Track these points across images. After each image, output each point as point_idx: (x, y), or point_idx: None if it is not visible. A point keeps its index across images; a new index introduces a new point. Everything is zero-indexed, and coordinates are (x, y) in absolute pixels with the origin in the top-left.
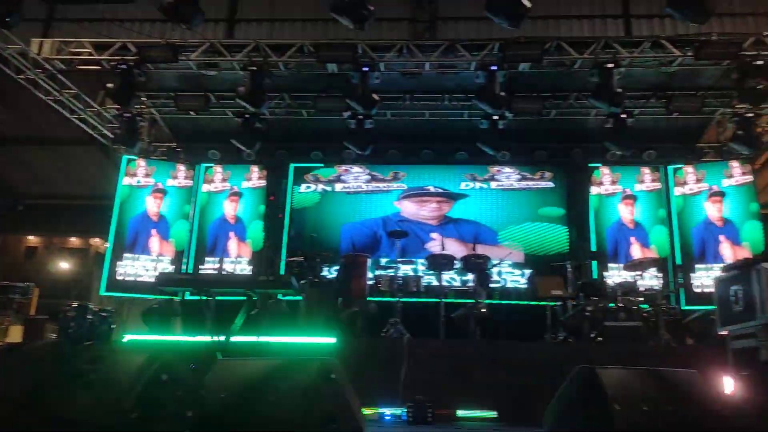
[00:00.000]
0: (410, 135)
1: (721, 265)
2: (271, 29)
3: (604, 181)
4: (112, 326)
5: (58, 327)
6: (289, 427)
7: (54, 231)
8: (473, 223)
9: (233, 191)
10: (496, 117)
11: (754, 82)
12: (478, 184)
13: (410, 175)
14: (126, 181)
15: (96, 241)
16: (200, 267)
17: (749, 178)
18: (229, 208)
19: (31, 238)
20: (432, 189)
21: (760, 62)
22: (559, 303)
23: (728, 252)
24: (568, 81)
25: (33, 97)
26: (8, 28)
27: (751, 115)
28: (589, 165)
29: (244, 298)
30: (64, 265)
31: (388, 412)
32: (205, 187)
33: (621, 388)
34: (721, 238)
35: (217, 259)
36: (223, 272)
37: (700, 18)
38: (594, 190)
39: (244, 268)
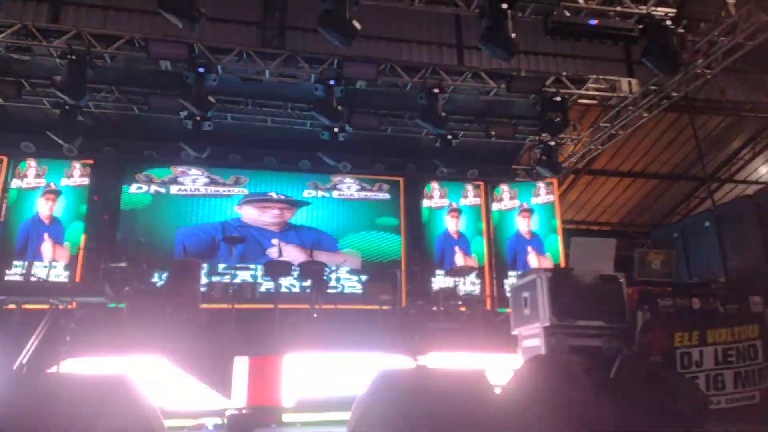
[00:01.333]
0: (253, 140)
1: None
2: (103, 17)
3: (434, 195)
4: None
5: None
6: None
7: None
8: (314, 230)
9: (50, 188)
10: (336, 129)
11: (553, 114)
12: (320, 193)
13: (252, 181)
14: None
15: None
16: (6, 272)
17: (551, 197)
18: (44, 207)
19: None
20: (274, 195)
21: (558, 98)
22: (388, 307)
23: (534, 261)
24: (402, 100)
25: None
26: None
27: (552, 143)
28: (422, 180)
29: (55, 305)
30: None
31: (209, 422)
32: (15, 183)
33: (414, 391)
34: (529, 248)
35: (26, 263)
36: (33, 278)
37: (504, 55)
38: (425, 202)
39: (59, 273)
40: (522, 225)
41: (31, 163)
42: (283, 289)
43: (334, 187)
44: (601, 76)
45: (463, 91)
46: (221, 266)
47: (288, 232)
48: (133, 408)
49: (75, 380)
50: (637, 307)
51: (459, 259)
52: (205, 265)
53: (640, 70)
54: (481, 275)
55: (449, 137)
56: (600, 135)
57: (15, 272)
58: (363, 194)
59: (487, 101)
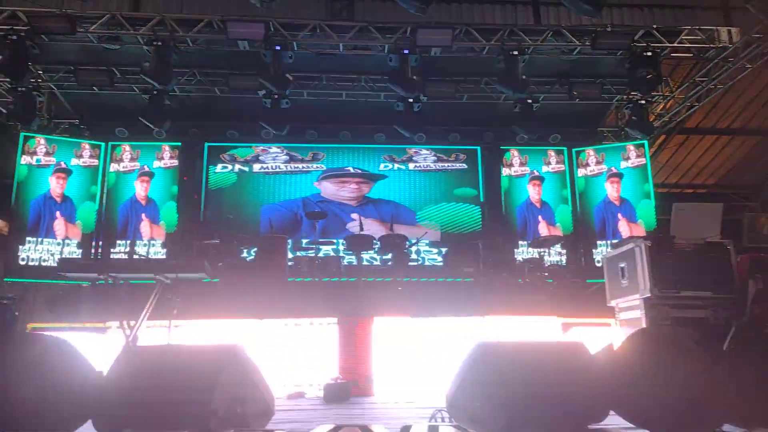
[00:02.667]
0: (329, 115)
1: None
2: (180, 3)
3: (514, 163)
4: (16, 314)
5: None
6: (192, 412)
7: None
8: (392, 203)
9: (144, 171)
10: (410, 100)
11: (644, 71)
12: (396, 165)
13: (329, 156)
14: (24, 160)
15: None
16: (111, 251)
17: (643, 160)
18: (140, 189)
19: None
20: (351, 170)
21: (649, 53)
22: (471, 279)
23: (625, 229)
24: (478, 66)
25: None
26: None
27: (643, 102)
28: (501, 147)
29: (156, 282)
30: None
31: (308, 390)
32: (113, 167)
33: (514, 362)
34: (619, 216)
35: (128, 242)
36: (135, 256)
37: (593, 11)
38: (505, 171)
39: (158, 251)
40: (611, 190)
41: (126, 147)
42: (365, 263)
43: (410, 159)
44: (696, 27)
45: (544, 52)
46: (304, 241)
47: (366, 206)
48: (246, 377)
49: (190, 351)
50: (749, 275)
51: (543, 229)
52: (289, 241)
53: (740, 17)
54: (567, 245)
55: (530, 101)
56: (696, 91)
57: (119, 251)
58: (440, 165)
59: (569, 60)
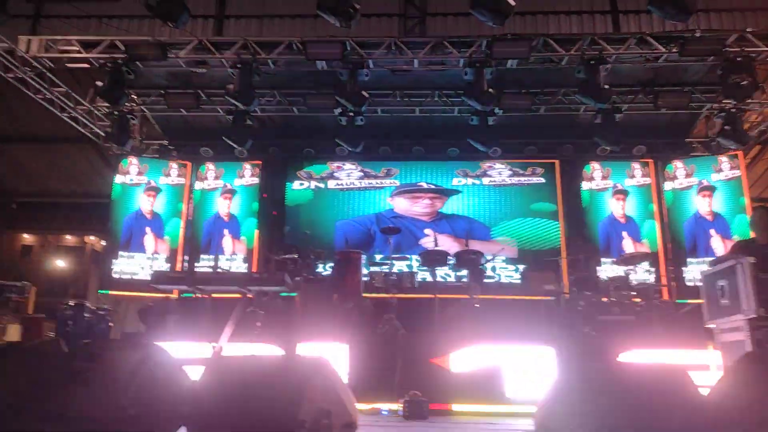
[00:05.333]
0: (402, 131)
1: (713, 259)
2: (260, 26)
3: (595, 177)
4: (110, 324)
5: (56, 325)
6: (279, 421)
7: (48, 229)
8: (466, 218)
9: (226, 188)
10: (485, 113)
11: (737, 78)
12: (470, 180)
13: (403, 172)
14: (119, 179)
15: (91, 239)
16: (195, 264)
17: (737, 172)
18: (223, 206)
19: (25, 236)
20: (425, 185)
21: (743, 59)
22: (552, 297)
23: (719, 246)
24: (556, 77)
25: (23, 96)
26: None
27: (737, 110)
28: (581, 161)
29: (240, 295)
30: (59, 263)
31: (384, 407)
32: (198, 185)
33: (611, 383)
34: (712, 232)
35: (212, 256)
36: (219, 270)
37: (681, 16)
38: (585, 185)
39: (239, 266)
40: (702, 205)
41: (210, 166)
42: (438, 279)
43: (485, 174)
44: None
45: (627, 60)
46: (378, 256)
47: (440, 221)
48: (331, 389)
49: (277, 362)
50: None
51: (628, 246)
52: (363, 256)
53: None
54: (655, 263)
55: (612, 112)
56: None
57: (203, 265)
58: (515, 179)
59: (654, 68)
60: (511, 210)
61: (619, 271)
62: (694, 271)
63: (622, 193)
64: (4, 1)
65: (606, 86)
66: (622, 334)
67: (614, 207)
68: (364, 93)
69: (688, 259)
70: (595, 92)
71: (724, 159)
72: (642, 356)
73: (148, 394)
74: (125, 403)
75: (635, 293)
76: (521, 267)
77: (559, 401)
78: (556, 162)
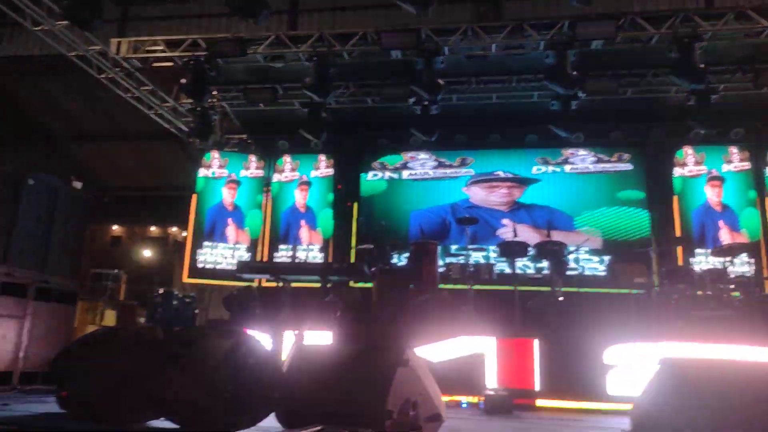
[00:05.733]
0: (477, 119)
1: None
2: (332, 18)
3: (688, 162)
4: (195, 311)
5: (147, 311)
6: (367, 410)
7: (135, 221)
8: (546, 208)
9: (302, 180)
10: (568, 97)
11: None
12: (550, 168)
13: (478, 161)
14: (202, 172)
15: (174, 230)
16: (274, 255)
17: None
18: (300, 197)
19: (115, 227)
20: (501, 174)
21: None
22: (642, 291)
23: None
24: (644, 57)
25: (113, 95)
26: (90, 30)
27: None
28: (672, 146)
29: (318, 284)
30: (145, 253)
31: (465, 399)
32: (275, 177)
33: (708, 381)
34: None
35: (290, 246)
36: (296, 260)
37: None
38: (677, 171)
39: (315, 256)
40: None
41: (287, 158)
42: (517, 270)
43: (566, 161)
44: None
45: (724, 36)
46: (453, 247)
47: (518, 211)
48: (418, 380)
49: (364, 352)
50: None
51: (724, 236)
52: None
53: None
54: (755, 253)
55: (707, 92)
56: None
57: (281, 255)
58: (600, 166)
59: (756, 44)
60: (595, 199)
61: (715, 262)
62: None
63: (718, 180)
64: (100, 7)
65: (701, 65)
66: (720, 330)
67: (709, 194)
68: (439, 81)
69: None
70: (689, 72)
71: None
72: (743, 353)
73: (241, 380)
74: (221, 387)
75: (733, 286)
76: (606, 258)
77: (659, 399)
78: (645, 147)
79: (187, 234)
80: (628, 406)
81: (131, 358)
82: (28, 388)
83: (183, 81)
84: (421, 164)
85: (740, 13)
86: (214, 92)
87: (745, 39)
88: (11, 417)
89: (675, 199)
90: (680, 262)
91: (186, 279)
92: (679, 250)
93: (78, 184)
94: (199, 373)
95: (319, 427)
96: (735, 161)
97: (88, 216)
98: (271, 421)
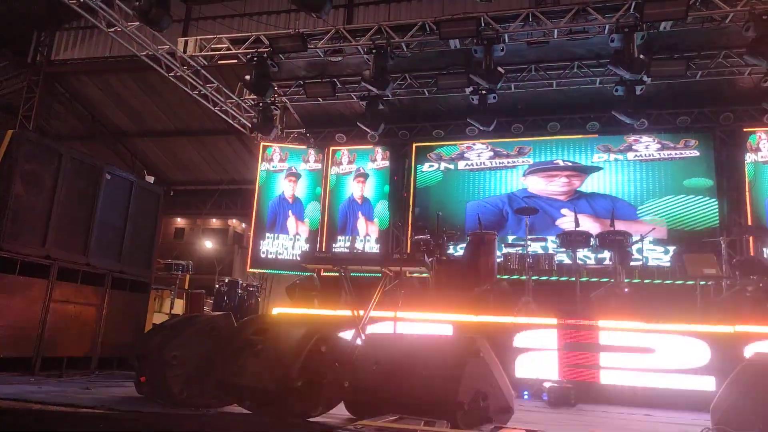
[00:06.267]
0: (536, 107)
1: None
2: (387, 10)
3: (762, 147)
4: (259, 299)
5: (213, 300)
6: (438, 401)
7: (198, 214)
8: (608, 197)
9: (359, 172)
10: (632, 82)
11: None
12: (612, 156)
13: (536, 150)
14: (264, 166)
15: (234, 222)
16: (333, 245)
17: None
18: (356, 189)
19: (178, 220)
20: (561, 163)
21: None
22: (711, 282)
23: None
24: (717, 37)
25: (179, 93)
26: (160, 30)
27: None
28: (744, 130)
29: (379, 275)
30: (207, 244)
31: (526, 391)
32: (333, 170)
33: None
34: None
35: (348, 237)
36: (355, 250)
37: None
38: (749, 157)
39: (372, 246)
40: None
41: (344, 151)
42: (578, 261)
43: (629, 149)
44: None
45: None
46: (511, 237)
47: (578, 200)
48: (488, 372)
49: (435, 342)
50: None
51: None
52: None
53: None
54: None
55: None
56: None
57: (340, 245)
58: (665, 153)
59: None
60: (660, 187)
61: None
62: None
63: None
64: (168, 7)
65: None
66: None
67: None
68: (499, 69)
69: None
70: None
71: None
72: None
73: (313, 368)
74: (293, 375)
75: None
76: (671, 249)
77: (742, 397)
78: (714, 132)
79: (251, 225)
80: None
81: (208, 345)
82: (106, 372)
83: (247, 77)
84: (478, 154)
85: None
86: (276, 88)
87: None
88: (96, 398)
89: (747, 186)
90: (752, 253)
91: (249, 269)
92: (751, 239)
93: (151, 179)
94: (272, 360)
95: (395, 417)
96: None
97: (160, 210)
98: (341, 409)
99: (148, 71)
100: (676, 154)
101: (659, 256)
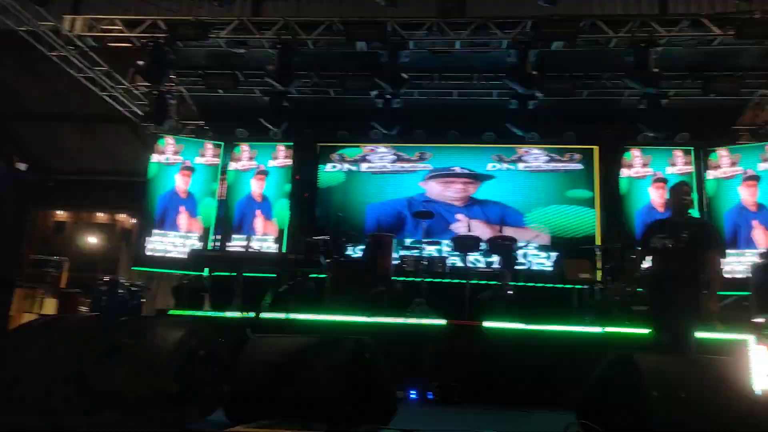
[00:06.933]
0: (437, 115)
1: (754, 251)
2: (297, 6)
3: (635, 164)
4: (142, 300)
5: (91, 300)
6: (322, 405)
7: (81, 206)
8: (499, 204)
9: (260, 170)
10: (525, 97)
11: None
12: (505, 165)
13: (436, 156)
14: (155, 158)
15: (122, 216)
16: (227, 244)
17: None
18: (256, 186)
19: (59, 212)
20: (458, 170)
21: None
22: (586, 287)
23: (761, 238)
24: (600, 60)
25: (65, 74)
26: (42, 4)
27: None
28: (621, 147)
29: (273, 275)
30: (91, 240)
31: (413, 391)
32: (232, 165)
33: (658, 374)
34: (755, 223)
35: (244, 236)
36: (251, 250)
37: None
38: (624, 172)
39: (270, 246)
40: (746, 195)
41: (244, 147)
42: (469, 264)
43: (520, 159)
44: None
45: (679, 43)
46: (408, 240)
47: (472, 206)
48: (370, 373)
49: (317, 344)
50: None
51: None
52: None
53: None
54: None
55: (659, 97)
56: None
57: (235, 245)
58: (552, 165)
59: (707, 52)
60: (545, 196)
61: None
62: (733, 263)
63: (662, 181)
64: None
65: (656, 70)
66: None
67: (653, 195)
68: (403, 75)
69: (728, 251)
70: (644, 76)
71: None
72: None
73: (190, 373)
74: (168, 381)
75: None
76: (553, 254)
77: (605, 389)
78: (596, 148)
79: (137, 221)
80: None
81: (75, 348)
82: None
83: (140, 63)
84: (380, 157)
85: (695, 21)
86: (172, 76)
87: (697, 47)
88: None
89: (621, 199)
90: (622, 260)
91: (133, 267)
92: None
93: (22, 166)
94: (145, 365)
95: (271, 422)
96: (678, 164)
97: (31, 200)
98: (220, 414)
99: (29, 49)
100: (561, 166)
101: (542, 261)
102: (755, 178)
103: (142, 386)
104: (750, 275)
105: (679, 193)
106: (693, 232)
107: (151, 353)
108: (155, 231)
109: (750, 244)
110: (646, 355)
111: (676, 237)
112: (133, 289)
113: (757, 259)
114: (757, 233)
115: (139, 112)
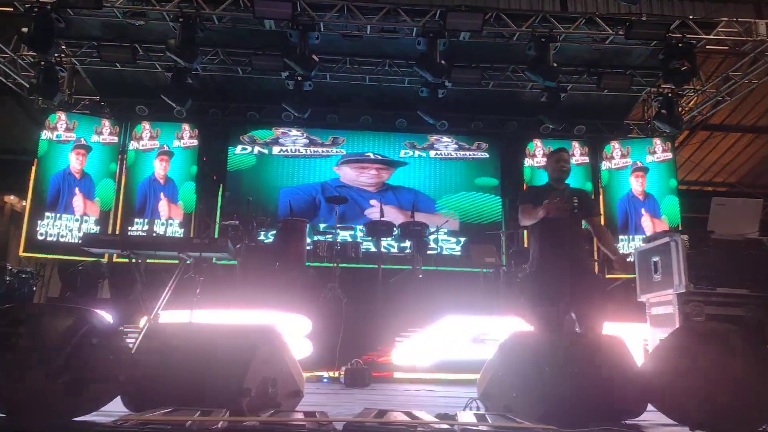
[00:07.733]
0: (350, 99)
1: (642, 236)
2: None
3: (537, 154)
4: (33, 288)
5: None
6: (225, 391)
7: None
8: (412, 190)
9: (163, 150)
10: (436, 85)
11: (678, 63)
12: (417, 152)
13: (350, 141)
14: (45, 135)
15: (11, 198)
16: (128, 228)
17: (669, 155)
18: (159, 168)
19: None
20: (371, 156)
21: (684, 45)
22: (491, 270)
23: (648, 224)
24: (506, 53)
25: None
26: None
27: (673, 95)
28: (524, 138)
29: (177, 261)
30: None
31: (326, 374)
32: (132, 145)
33: (551, 352)
34: (642, 210)
35: (147, 220)
36: (154, 234)
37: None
38: (527, 162)
39: (175, 231)
40: (635, 185)
41: (146, 125)
42: (382, 249)
43: (431, 147)
44: (734, 19)
45: (575, 40)
46: (322, 225)
47: (386, 192)
48: (278, 357)
49: (222, 329)
50: None
51: None
52: (307, 225)
53: None
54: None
55: (558, 91)
56: (728, 86)
57: (137, 229)
58: (461, 153)
59: (600, 50)
60: (455, 183)
61: None
62: (623, 248)
63: (643, 171)
64: None
65: (554, 64)
66: None
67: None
68: (314, 57)
69: (620, 236)
70: (544, 70)
71: (658, 141)
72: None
73: (81, 361)
74: (56, 371)
75: None
76: (462, 240)
77: (502, 369)
78: (501, 138)
79: (26, 203)
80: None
81: None
82: None
83: (24, 30)
84: (293, 141)
85: (590, 19)
86: (63, 46)
87: (592, 44)
88: None
89: (523, 186)
90: (525, 245)
91: (22, 252)
92: (525, 233)
93: None
94: (31, 355)
95: (169, 409)
96: (576, 155)
97: None
98: (117, 404)
99: None
100: (469, 154)
101: (452, 246)
102: (643, 169)
103: (28, 377)
104: (635, 259)
105: (559, 160)
106: (580, 199)
107: (36, 343)
108: (47, 214)
109: (639, 230)
110: (537, 334)
111: (568, 202)
112: (22, 276)
113: (641, 244)
114: (645, 220)
115: (26, 84)
